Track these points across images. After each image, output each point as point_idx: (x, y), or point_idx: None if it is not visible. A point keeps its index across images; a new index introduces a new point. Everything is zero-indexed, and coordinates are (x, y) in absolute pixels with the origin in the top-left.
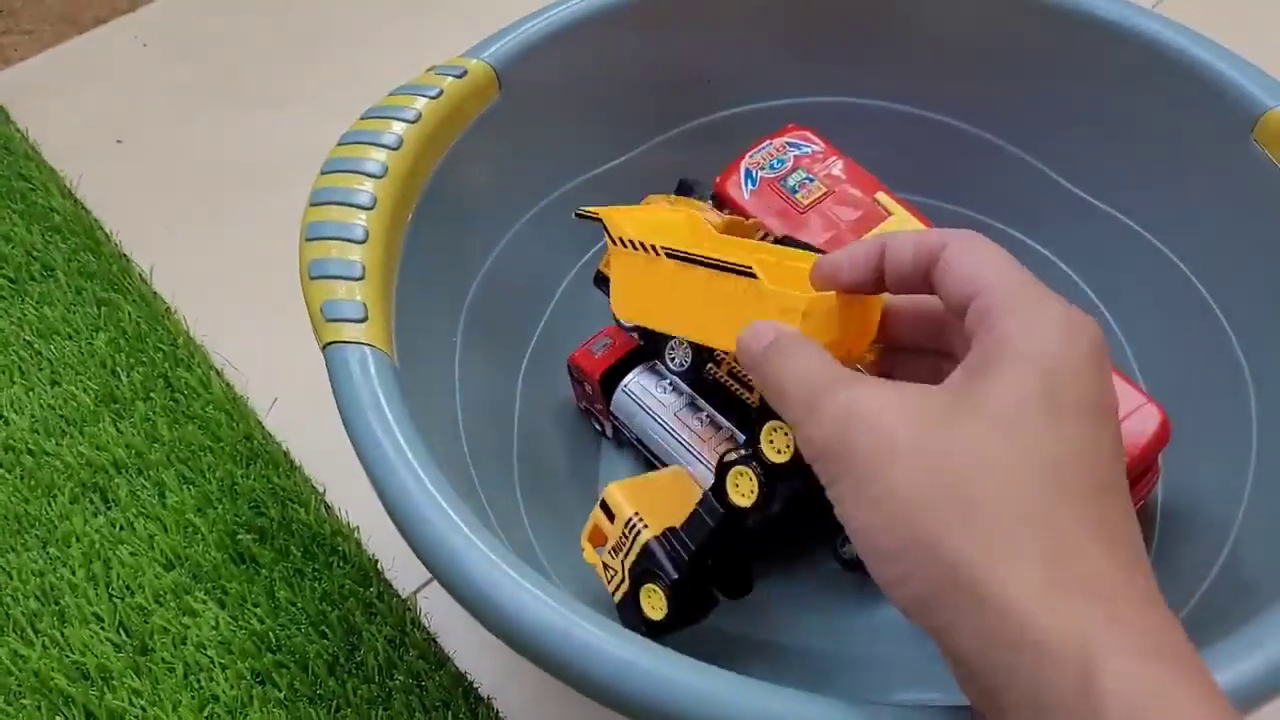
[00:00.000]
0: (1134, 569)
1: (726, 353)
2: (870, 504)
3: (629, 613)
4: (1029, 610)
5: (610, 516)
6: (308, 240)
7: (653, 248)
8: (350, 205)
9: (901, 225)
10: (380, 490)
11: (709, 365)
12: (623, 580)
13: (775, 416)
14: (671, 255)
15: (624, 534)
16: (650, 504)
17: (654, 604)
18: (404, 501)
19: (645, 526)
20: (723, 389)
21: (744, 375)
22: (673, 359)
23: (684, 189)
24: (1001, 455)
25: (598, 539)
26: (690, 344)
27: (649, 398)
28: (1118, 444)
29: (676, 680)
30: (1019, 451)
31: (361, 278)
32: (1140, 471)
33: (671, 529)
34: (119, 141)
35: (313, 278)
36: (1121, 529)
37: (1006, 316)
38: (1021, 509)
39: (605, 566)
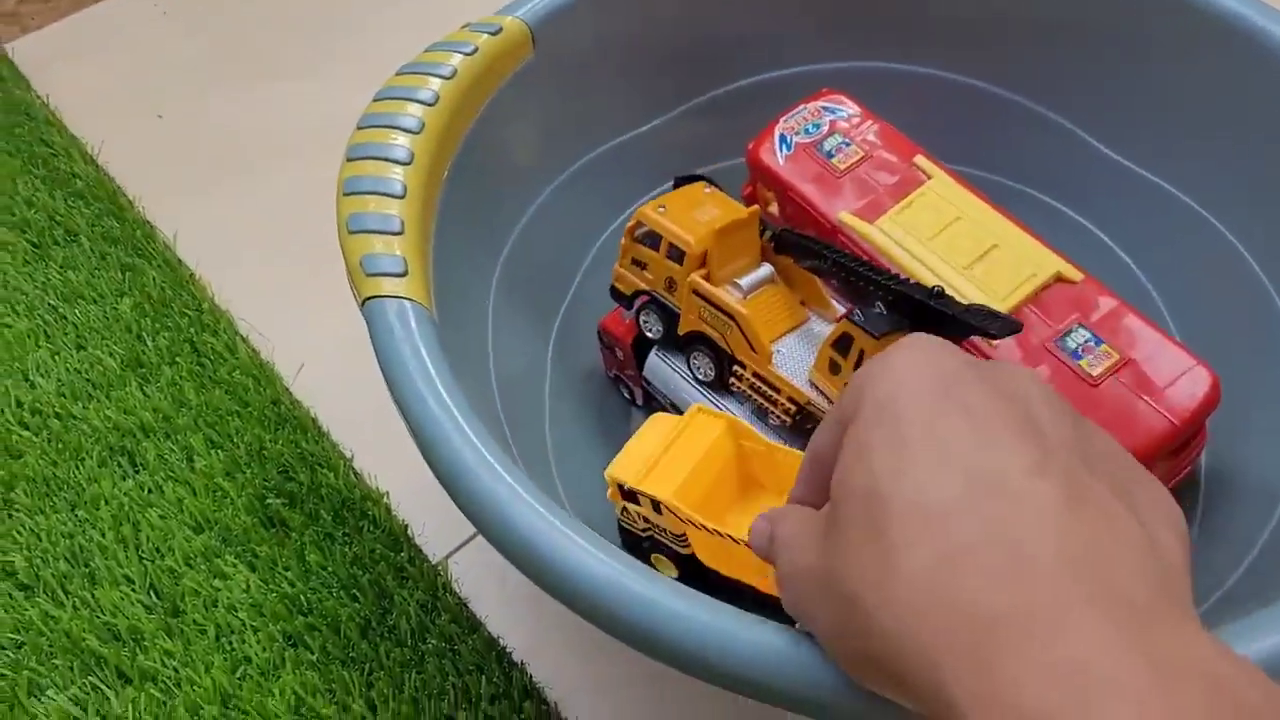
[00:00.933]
0: (997, 636)
1: (746, 365)
2: (825, 645)
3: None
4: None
5: (636, 502)
6: (345, 195)
7: (714, 531)
8: (388, 160)
9: (941, 188)
10: (423, 442)
11: (731, 380)
12: (640, 530)
13: None
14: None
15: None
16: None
17: (664, 568)
18: (448, 452)
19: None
20: (749, 399)
21: (768, 384)
22: (698, 369)
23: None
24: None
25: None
26: (712, 354)
27: (682, 361)
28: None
29: (739, 635)
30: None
31: (400, 233)
32: (1189, 436)
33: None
34: (160, 116)
35: (351, 232)
36: (948, 593)
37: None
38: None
39: (625, 510)
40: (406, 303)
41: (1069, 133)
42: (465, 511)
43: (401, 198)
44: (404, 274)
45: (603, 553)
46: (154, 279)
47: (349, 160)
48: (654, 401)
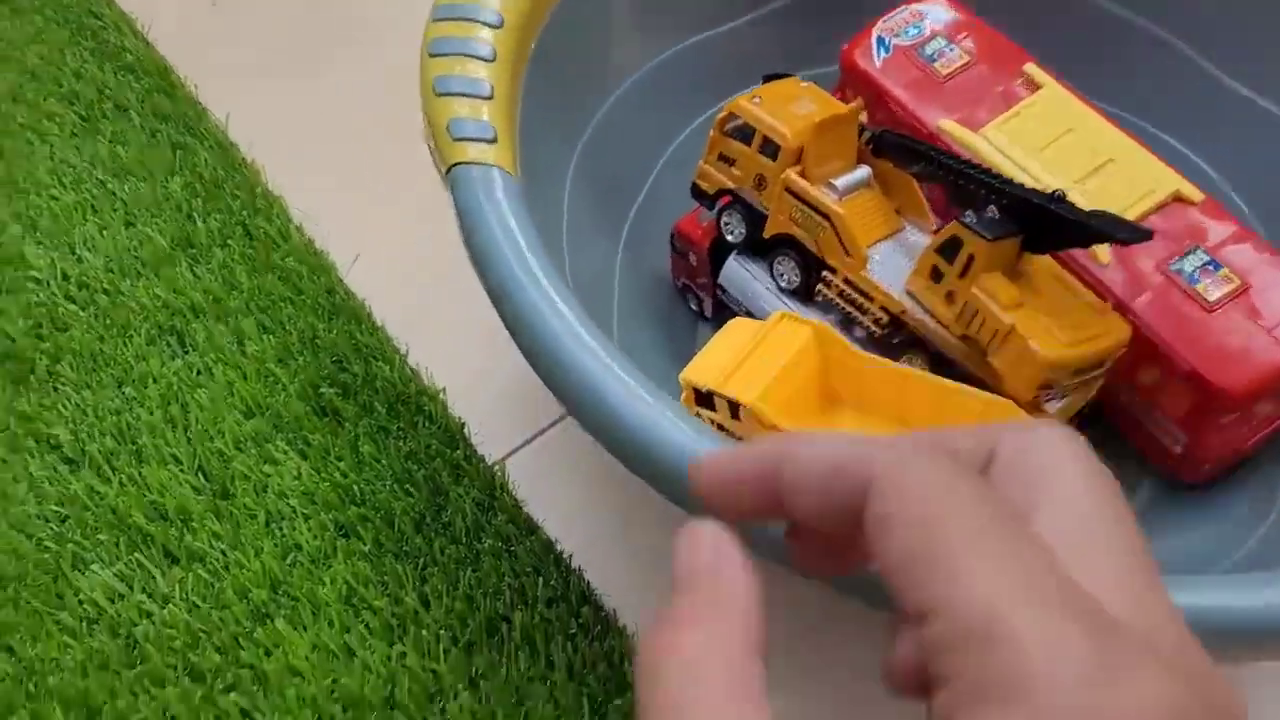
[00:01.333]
0: None
1: (836, 270)
2: None
3: None
4: None
5: (711, 407)
6: (431, 56)
7: None
8: (477, 21)
9: (1052, 98)
10: (508, 312)
11: (819, 288)
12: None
13: None
14: None
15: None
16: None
17: None
18: (536, 320)
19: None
20: (836, 310)
21: (860, 291)
22: (781, 275)
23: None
24: None
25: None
26: (799, 259)
27: (763, 268)
28: None
29: None
30: None
31: (490, 98)
32: None
33: None
34: (213, 4)
35: (438, 94)
36: None
37: (982, 662)
38: None
39: (698, 416)
40: (494, 170)
41: (1188, 59)
42: (549, 381)
43: (491, 61)
44: (493, 140)
45: (690, 426)
46: (205, 160)
47: (435, 20)
48: (724, 312)
